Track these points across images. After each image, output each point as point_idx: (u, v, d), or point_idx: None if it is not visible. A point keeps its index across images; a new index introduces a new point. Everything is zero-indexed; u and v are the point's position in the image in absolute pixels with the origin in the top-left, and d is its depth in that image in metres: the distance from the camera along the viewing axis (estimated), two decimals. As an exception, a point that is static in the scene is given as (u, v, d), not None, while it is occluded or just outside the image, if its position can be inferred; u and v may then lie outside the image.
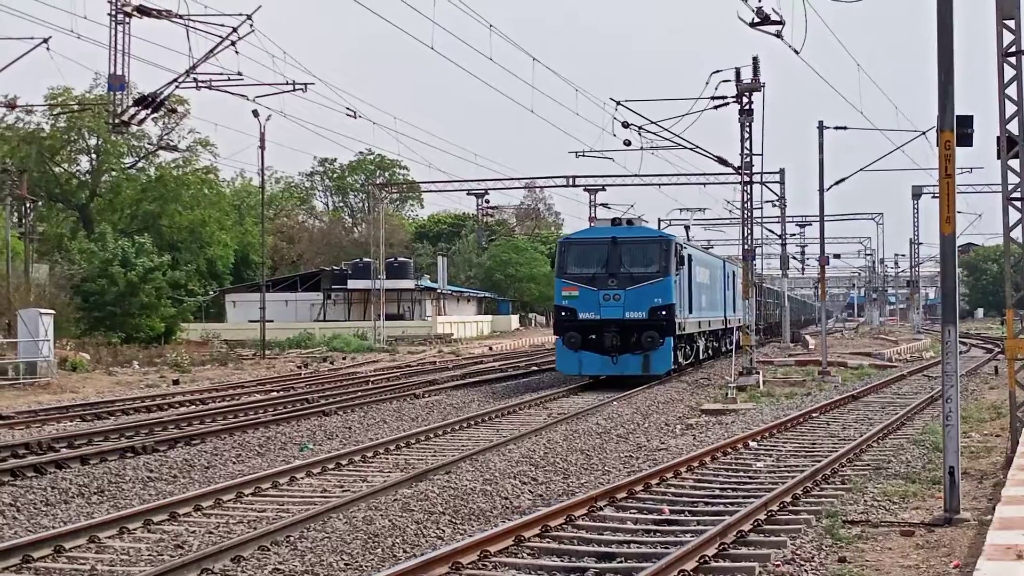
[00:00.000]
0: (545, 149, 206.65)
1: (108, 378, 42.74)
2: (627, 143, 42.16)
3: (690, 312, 38.50)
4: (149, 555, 12.82)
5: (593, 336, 34.32)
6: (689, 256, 39.03)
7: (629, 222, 36.89)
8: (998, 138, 17.48)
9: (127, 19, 28.05)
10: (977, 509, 14.17)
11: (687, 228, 55.39)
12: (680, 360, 37.65)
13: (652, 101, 63.29)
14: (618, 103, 39.51)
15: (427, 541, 13.36)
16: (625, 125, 39.95)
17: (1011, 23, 17.26)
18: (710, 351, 45.92)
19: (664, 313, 34.38)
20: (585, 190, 67.04)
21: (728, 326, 48.81)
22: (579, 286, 34.68)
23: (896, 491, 15.84)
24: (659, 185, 62.21)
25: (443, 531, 13.90)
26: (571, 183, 66.86)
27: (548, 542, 13.02)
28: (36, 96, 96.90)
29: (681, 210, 65.62)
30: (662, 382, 35.59)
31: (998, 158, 17.62)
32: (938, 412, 18.14)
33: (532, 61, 38.28)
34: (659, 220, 59.57)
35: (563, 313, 35.18)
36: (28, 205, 64.29)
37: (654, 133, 40.32)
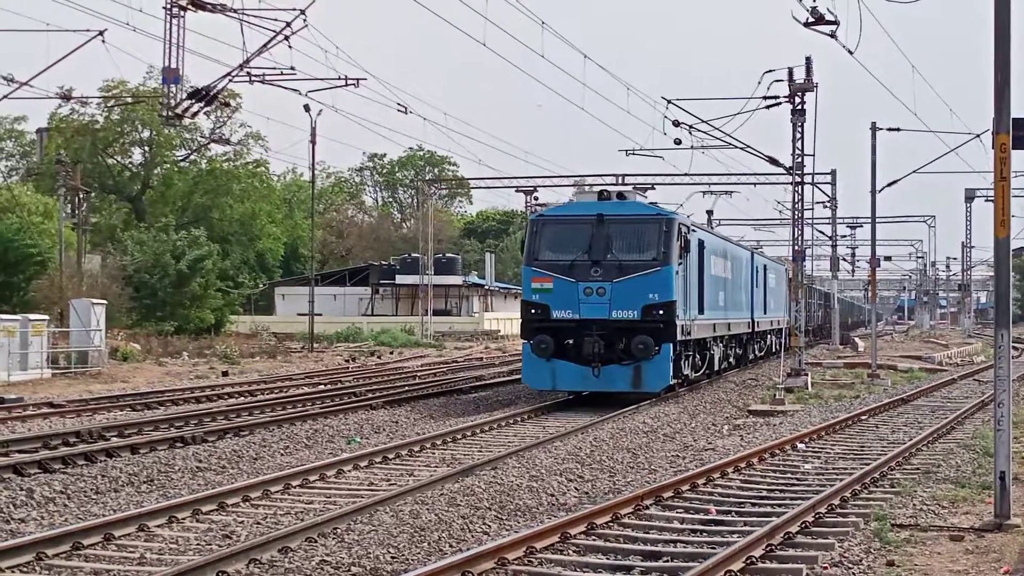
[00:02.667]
0: (595, 147, 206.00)
1: (158, 368, 43.08)
2: (677, 142, 42.13)
3: (700, 312, 30.87)
4: (198, 544, 12.90)
5: (570, 341, 26.89)
6: (701, 242, 31.36)
7: (620, 196, 28.89)
8: (1055, 141, 17.34)
9: (182, 13, 28.26)
10: (1028, 515, 14.04)
11: (709, 213, 49.85)
12: (687, 372, 30.11)
13: (703, 100, 63.19)
14: (669, 102, 39.39)
15: (473, 536, 13.39)
16: (676, 124, 39.87)
17: (1070, 25, 17.15)
18: (731, 359, 38.73)
19: (662, 312, 26.81)
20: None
21: (756, 329, 43.19)
22: (554, 276, 27.08)
23: (946, 495, 15.74)
24: (709, 185, 62.01)
25: (489, 526, 13.92)
26: (620, 181, 66.63)
27: (594, 540, 13.02)
28: (91, 88, 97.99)
29: (704, 193, 59.76)
30: (663, 400, 28.40)
31: (1054, 161, 17.49)
32: (989, 417, 18.02)
33: (584, 58, 38.20)
34: (709, 217, 55.09)
35: (532, 311, 27.33)
36: (81, 196, 64.85)
37: (705, 132, 40.22)
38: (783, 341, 47.08)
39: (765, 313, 45.24)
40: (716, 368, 35.09)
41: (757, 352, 44.87)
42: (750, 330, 41.57)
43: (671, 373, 27.30)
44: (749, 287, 41.34)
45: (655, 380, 26.94)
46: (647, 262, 26.98)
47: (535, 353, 26.97)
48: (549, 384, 27.51)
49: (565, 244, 27.51)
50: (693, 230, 30.34)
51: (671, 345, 27.06)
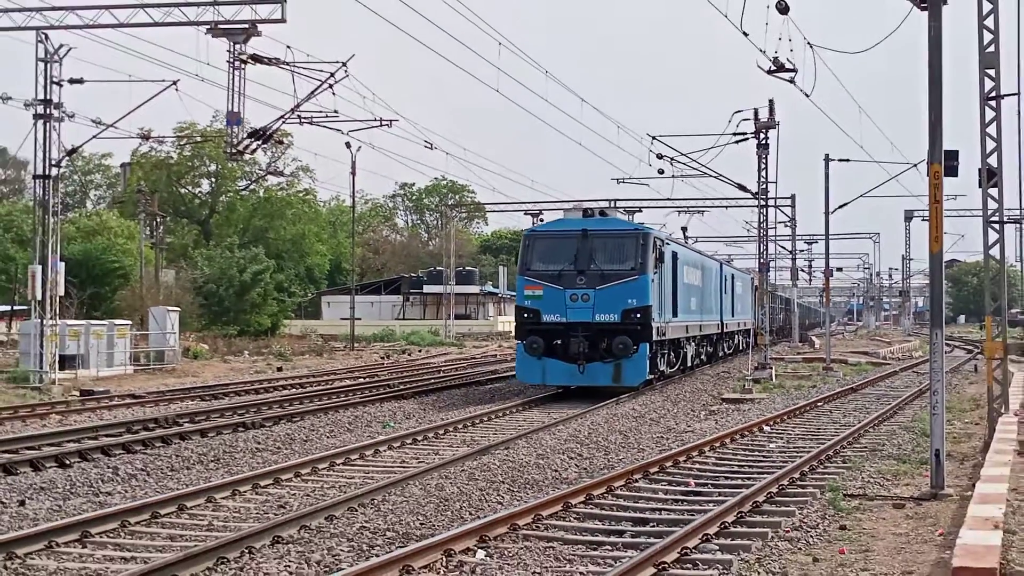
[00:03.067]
0: (590, 176, 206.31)
1: (223, 365, 43.12)
2: (661, 172, 41.98)
3: (674, 315, 30.31)
4: (257, 513, 12.92)
5: (559, 341, 26.56)
6: (675, 254, 30.91)
7: (602, 213, 28.87)
8: (980, 170, 17.37)
9: (243, 65, 28.28)
10: (959, 486, 14.01)
11: (684, 229, 48.64)
12: (662, 368, 29.52)
13: (683, 136, 63.21)
14: (654, 138, 39.35)
15: (489, 505, 13.38)
16: (659, 156, 39.75)
17: (991, 72, 17.17)
18: (703, 357, 37.89)
19: (639, 316, 26.46)
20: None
21: (725, 330, 42.59)
22: (544, 284, 26.78)
23: (889, 470, 15.72)
24: (688, 208, 61.89)
25: (503, 497, 13.91)
26: (612, 205, 66.55)
27: (591, 508, 13.01)
28: (166, 129, 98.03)
29: (679, 212, 57.51)
30: (649, 390, 28.40)
31: (980, 187, 17.50)
32: (926, 403, 17.95)
33: (581, 102, 38.27)
34: (684, 232, 54.08)
35: (525, 315, 27.11)
36: (158, 220, 65.02)
37: (684, 163, 40.16)
38: (750, 340, 46.83)
39: (733, 316, 44.56)
40: (689, 364, 34.46)
41: (726, 350, 44.21)
42: (719, 331, 40.95)
43: (648, 369, 26.83)
44: (719, 294, 40.81)
45: (634, 376, 26.51)
46: (626, 271, 26.65)
47: (527, 352, 26.64)
48: (540, 379, 26.98)
49: (554, 256, 27.09)
50: (667, 243, 29.99)
51: (648, 344, 26.62)
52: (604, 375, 26.39)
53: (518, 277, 27.79)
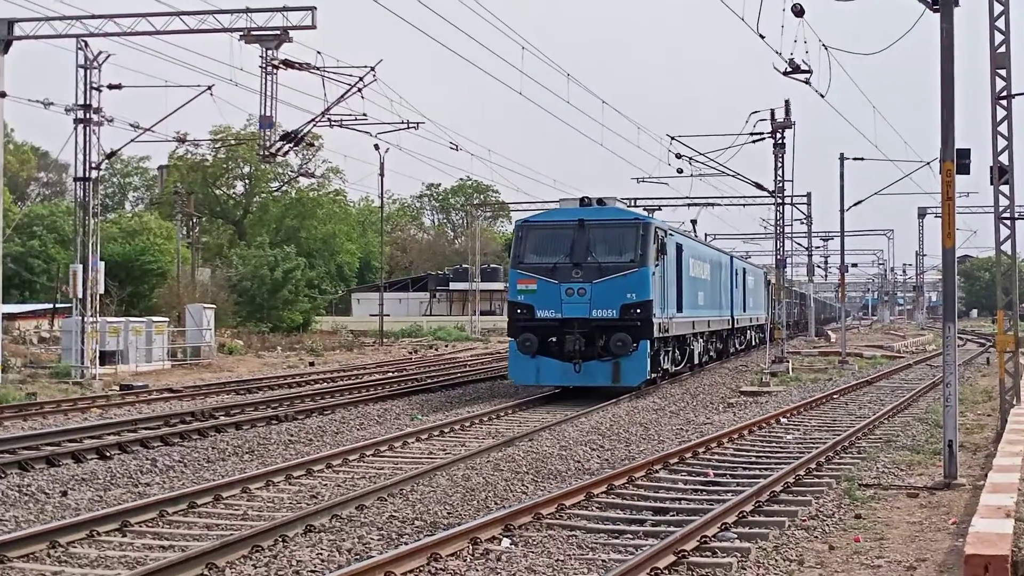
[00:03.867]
0: (611, 175, 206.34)
1: (257, 360, 43.31)
2: (679, 171, 41.99)
3: (679, 310, 27.81)
4: (290, 503, 12.96)
5: (553, 339, 24.14)
6: (679, 246, 28.43)
7: (600, 201, 25.73)
8: (991, 167, 17.29)
9: (275, 71, 28.37)
10: (972, 476, 13.95)
11: (694, 222, 46.50)
12: (666, 366, 27.35)
13: (701, 136, 63.00)
14: (672, 138, 39.33)
15: (513, 495, 13.39)
16: (678, 156, 39.76)
17: (1003, 72, 17.06)
18: (712, 353, 35.47)
19: (639, 311, 24.00)
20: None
21: (736, 326, 40.29)
22: (538, 278, 24.26)
23: (903, 460, 15.65)
24: (706, 206, 61.74)
25: (527, 487, 13.91)
26: (632, 205, 66.43)
27: (613, 498, 13.00)
28: (202, 132, 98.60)
29: (689, 205, 53.47)
30: (669, 383, 27.23)
31: (991, 184, 17.41)
32: (939, 395, 17.87)
33: (602, 103, 38.11)
34: (694, 225, 50.52)
35: (518, 311, 24.49)
36: (194, 221, 65.32)
37: (702, 163, 40.10)
38: (766, 336, 46.18)
39: (744, 311, 42.53)
40: (696, 362, 32.10)
41: (737, 346, 42.45)
42: (730, 326, 38.80)
43: (648, 368, 24.45)
44: (728, 288, 38.56)
45: (633, 375, 24.13)
46: (625, 264, 24.14)
47: (520, 350, 24.30)
48: (533, 379, 24.54)
49: (548, 248, 24.61)
50: (671, 234, 27.32)
51: (648, 342, 24.25)
52: (602, 374, 24.10)
53: (510, 270, 25.20)
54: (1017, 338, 18.74)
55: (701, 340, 32.59)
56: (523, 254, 24.81)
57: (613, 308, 24.03)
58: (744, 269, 43.65)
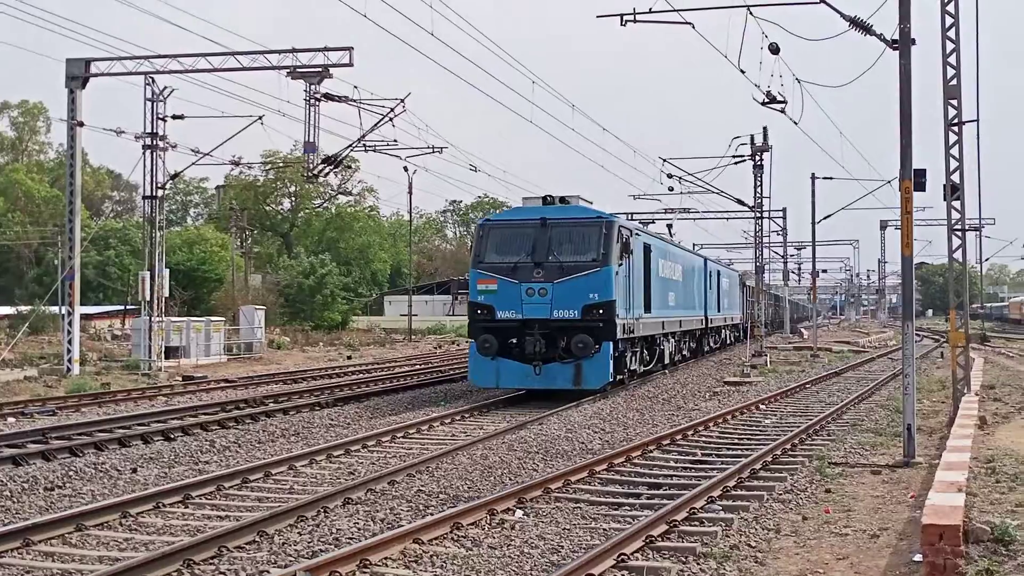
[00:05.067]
0: (610, 192, 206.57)
1: (302, 354, 43.38)
2: (671, 189, 42.04)
3: (647, 311, 24.47)
4: (330, 478, 12.98)
5: (514, 340, 21.07)
6: (647, 246, 25.05)
7: (563, 200, 22.38)
8: (944, 185, 17.24)
9: (317, 102, 28.45)
10: (928, 455, 13.89)
11: (669, 226, 44.05)
12: (633, 367, 24.01)
13: (690, 159, 62.54)
14: (664, 160, 39.30)
15: (525, 472, 13.37)
16: (669, 176, 39.77)
17: (954, 102, 17.03)
18: (684, 353, 32.02)
19: (602, 312, 20.93)
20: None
21: (710, 325, 37.04)
22: (498, 278, 21.22)
23: (868, 441, 15.59)
24: (694, 219, 61.68)
25: (537, 465, 13.89)
26: (630, 218, 66.25)
27: (613, 475, 12.98)
28: (253, 156, 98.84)
29: (666, 210, 50.03)
30: (662, 374, 25.19)
31: (944, 200, 17.37)
32: (899, 384, 17.80)
33: (602, 130, 38.25)
34: (669, 229, 45.79)
35: (479, 312, 21.45)
36: (247, 233, 65.43)
37: (690, 181, 40.08)
38: (746, 334, 45.58)
39: (719, 311, 39.26)
40: (667, 361, 28.56)
41: (712, 345, 39.23)
42: (703, 326, 35.38)
43: (611, 370, 21.32)
44: (702, 289, 35.05)
45: (595, 377, 21.05)
46: (587, 263, 21.06)
47: (480, 352, 21.23)
48: (493, 382, 21.48)
49: (510, 247, 21.50)
50: (637, 234, 23.96)
51: (611, 343, 21.14)
52: (563, 377, 21.02)
53: (471, 270, 21.97)
54: (968, 335, 18.67)
55: (672, 340, 29.29)
56: (484, 253, 21.67)
57: (575, 308, 20.96)
58: (718, 271, 40.84)
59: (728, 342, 44.55)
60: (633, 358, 23.87)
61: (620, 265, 21.67)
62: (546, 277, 21.03)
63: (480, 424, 18.46)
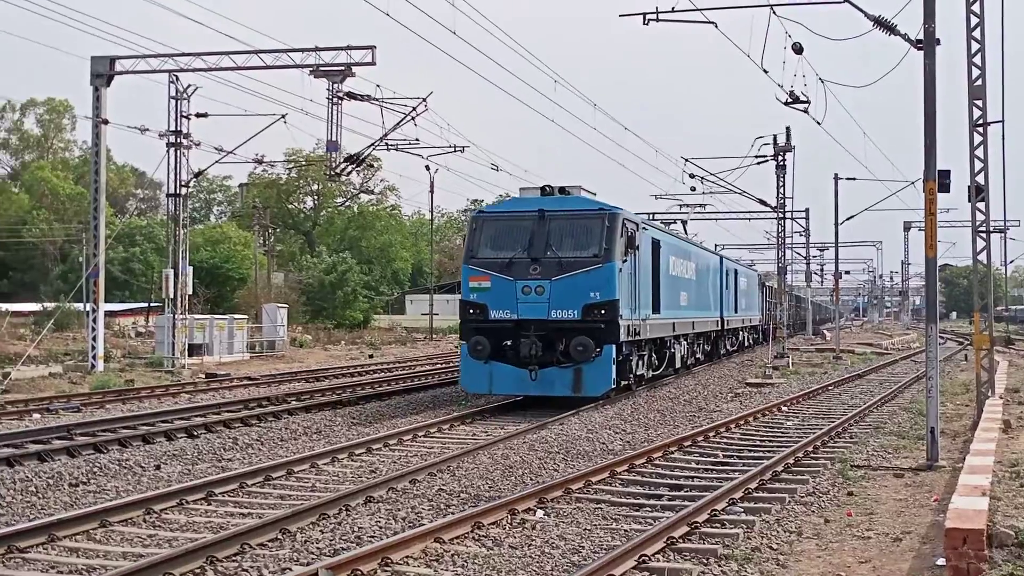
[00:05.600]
0: (632, 192, 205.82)
1: (323, 352, 43.56)
2: (692, 188, 41.89)
3: (655, 311, 22.69)
4: (352, 476, 13.02)
5: (508, 343, 19.30)
6: (656, 241, 23.14)
7: (563, 191, 20.46)
8: (969, 187, 17.13)
9: (340, 101, 28.55)
10: (951, 459, 13.80)
11: (684, 223, 42.54)
12: (640, 371, 22.14)
13: (712, 159, 62.21)
14: (687, 160, 39.21)
15: (546, 472, 13.37)
16: (692, 176, 39.70)
17: (979, 103, 16.91)
18: (698, 356, 29.86)
19: (604, 312, 19.03)
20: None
21: (727, 327, 35.07)
22: (492, 275, 19.38)
23: (891, 444, 15.52)
24: (716, 219, 61.54)
25: (558, 466, 13.88)
26: (651, 218, 66.11)
27: (634, 475, 12.96)
28: (276, 155, 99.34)
29: (681, 206, 46.40)
30: (683, 375, 23.49)
31: (969, 201, 17.26)
32: (922, 387, 17.69)
33: (624, 129, 38.16)
34: (684, 225, 42.90)
35: (471, 311, 19.65)
36: (269, 231, 65.71)
37: (712, 181, 39.98)
38: (760, 336, 45.02)
39: (736, 312, 37.23)
40: (678, 365, 26.57)
41: (728, 347, 37.24)
42: (719, 328, 33.38)
43: (613, 376, 19.49)
44: (718, 288, 33.05)
45: (595, 384, 19.22)
46: (588, 259, 19.20)
47: (472, 355, 19.52)
48: (486, 388, 19.76)
49: (505, 241, 19.68)
50: (644, 228, 22.07)
51: (614, 346, 19.29)
52: (561, 383, 19.25)
53: (463, 266, 20.17)
54: (992, 337, 18.55)
55: (685, 342, 27.33)
56: (477, 248, 19.87)
57: (574, 308, 19.15)
58: (736, 270, 38.70)
59: (747, 344, 43.43)
60: (640, 362, 22.08)
61: (625, 261, 19.89)
62: (543, 274, 19.25)
63: (501, 424, 18.43)
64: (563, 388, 19.19)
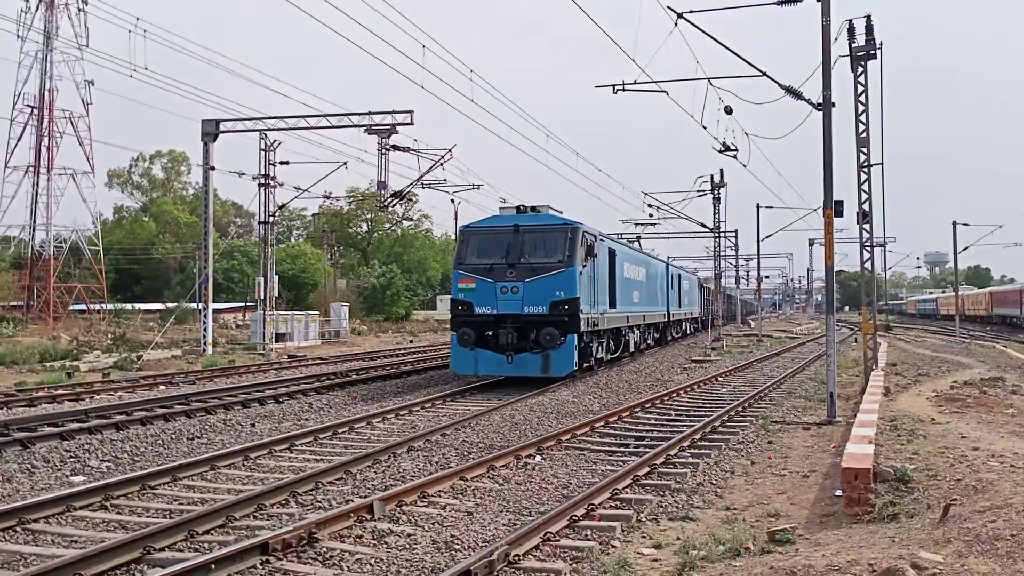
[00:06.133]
0: (604, 218, 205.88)
1: (376, 339, 43.52)
2: (650, 215, 41.88)
3: (612, 307, 21.97)
4: (399, 431, 13.01)
5: (490, 333, 18.60)
6: (612, 250, 22.42)
7: (534, 209, 19.71)
8: (857, 212, 17.12)
9: (387, 151, 28.62)
10: (845, 416, 13.77)
11: (639, 238, 39.06)
12: (600, 355, 21.32)
13: (664, 192, 62.15)
14: (646, 193, 39.29)
15: (543, 427, 13.36)
16: (649, 205, 39.67)
17: (864, 149, 16.90)
18: (649, 342, 28.99)
19: (567, 308, 18.26)
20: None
21: (672, 319, 34.11)
22: (476, 278, 18.67)
23: (800, 405, 15.48)
24: (668, 237, 61.58)
25: (552, 422, 13.86)
26: (620, 237, 65.90)
27: (608, 429, 12.95)
28: (340, 191, 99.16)
29: (636, 225, 44.70)
30: (643, 354, 23.03)
31: (858, 223, 17.26)
32: (824, 362, 17.65)
33: (599, 170, 38.09)
34: (638, 239, 40.40)
35: (459, 307, 18.87)
36: (335, 249, 65.59)
37: (665, 209, 39.95)
38: (700, 326, 44.54)
39: (680, 308, 36.11)
40: (632, 350, 25.55)
41: (675, 335, 36.08)
42: (666, 320, 32.45)
43: (575, 359, 18.63)
44: (665, 289, 32.20)
45: (561, 366, 18.34)
46: (554, 264, 18.42)
47: (460, 343, 18.69)
48: (472, 370, 18.77)
49: (487, 250, 18.89)
50: (602, 239, 21.21)
51: (576, 335, 18.47)
52: (532, 365, 18.42)
53: (453, 271, 19.41)
54: (875, 325, 18.47)
55: (637, 331, 26.24)
56: (464, 256, 19.12)
57: (543, 305, 18.34)
58: (680, 275, 37.26)
59: (689, 332, 42.60)
60: (600, 348, 21.25)
61: (584, 266, 19.03)
62: (518, 277, 18.48)
63: (508, 391, 18.41)
64: (534, 370, 18.39)
